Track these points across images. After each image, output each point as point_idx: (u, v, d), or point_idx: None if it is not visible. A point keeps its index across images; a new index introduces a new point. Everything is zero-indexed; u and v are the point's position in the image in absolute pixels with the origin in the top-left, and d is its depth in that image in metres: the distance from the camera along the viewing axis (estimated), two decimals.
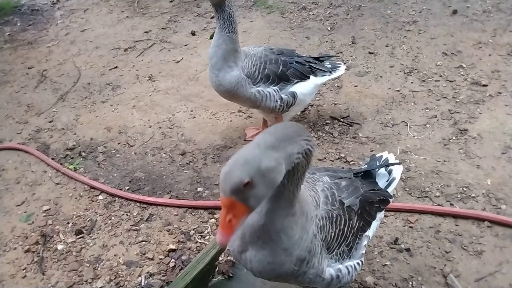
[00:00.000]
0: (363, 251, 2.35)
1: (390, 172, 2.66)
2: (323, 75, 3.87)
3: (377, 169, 2.65)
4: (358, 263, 2.29)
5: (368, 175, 2.57)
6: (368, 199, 2.32)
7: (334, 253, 2.12)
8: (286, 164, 1.50)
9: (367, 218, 2.32)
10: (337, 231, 2.09)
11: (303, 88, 3.76)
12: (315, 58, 3.93)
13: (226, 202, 1.40)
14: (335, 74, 3.93)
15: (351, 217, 2.19)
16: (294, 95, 3.71)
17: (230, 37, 3.42)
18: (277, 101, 3.66)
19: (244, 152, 1.45)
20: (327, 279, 2.10)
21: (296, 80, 3.72)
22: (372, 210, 2.35)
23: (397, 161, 2.73)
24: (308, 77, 3.77)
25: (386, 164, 2.66)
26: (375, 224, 2.46)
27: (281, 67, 3.64)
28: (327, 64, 3.96)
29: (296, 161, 1.55)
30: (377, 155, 2.78)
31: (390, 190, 2.58)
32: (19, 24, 6.82)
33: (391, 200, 2.52)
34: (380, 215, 2.51)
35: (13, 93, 5.23)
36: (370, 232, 2.42)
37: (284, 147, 1.48)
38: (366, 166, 2.71)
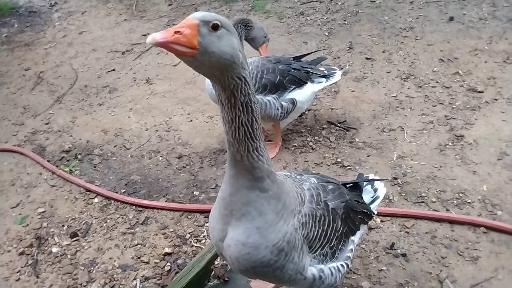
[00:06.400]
0: (349, 254, 2.35)
1: (375, 191, 2.74)
2: (319, 82, 3.88)
3: (364, 184, 2.73)
4: (342, 265, 2.29)
5: (355, 189, 2.63)
6: (352, 206, 2.36)
7: (317, 253, 2.12)
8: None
9: (351, 225, 2.34)
10: (320, 230, 2.09)
11: (300, 96, 3.77)
12: (309, 62, 3.94)
13: (189, 20, 1.48)
14: (332, 81, 3.95)
15: (335, 219, 2.20)
16: (293, 102, 3.71)
17: None
18: (278, 109, 3.66)
19: (226, 19, 1.57)
20: (309, 278, 2.08)
21: (294, 87, 3.73)
22: (356, 219, 2.38)
23: (382, 177, 2.84)
24: (306, 82, 3.78)
25: (372, 179, 2.77)
26: (359, 233, 2.48)
27: (278, 76, 3.63)
28: (321, 68, 3.96)
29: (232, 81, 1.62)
30: (364, 175, 2.86)
31: (373, 207, 2.64)
32: (16, 25, 6.81)
33: (373, 216, 2.59)
34: (364, 227, 2.56)
35: (9, 94, 5.21)
36: (356, 238, 2.44)
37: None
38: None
